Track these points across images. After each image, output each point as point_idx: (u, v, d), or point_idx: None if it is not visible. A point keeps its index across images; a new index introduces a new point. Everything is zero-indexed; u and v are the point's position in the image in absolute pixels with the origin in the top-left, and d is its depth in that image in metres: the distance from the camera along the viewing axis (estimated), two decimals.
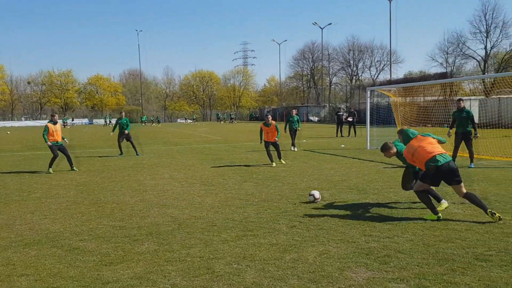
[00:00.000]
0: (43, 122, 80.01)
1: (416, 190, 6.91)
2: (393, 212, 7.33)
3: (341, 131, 28.36)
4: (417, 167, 7.15)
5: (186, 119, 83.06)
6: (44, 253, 5.61)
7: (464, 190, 6.59)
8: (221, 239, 6.02)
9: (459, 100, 12.88)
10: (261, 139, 14.34)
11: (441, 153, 6.62)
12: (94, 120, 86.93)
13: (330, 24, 76.09)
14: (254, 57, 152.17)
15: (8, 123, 79.23)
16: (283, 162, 14.31)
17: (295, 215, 7.26)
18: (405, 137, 7.45)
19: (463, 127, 12.52)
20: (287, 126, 19.60)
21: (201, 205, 8.22)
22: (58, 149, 13.59)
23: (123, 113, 19.74)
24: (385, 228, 6.36)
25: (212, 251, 5.51)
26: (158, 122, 73.60)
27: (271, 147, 14.18)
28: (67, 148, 13.99)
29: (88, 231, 6.62)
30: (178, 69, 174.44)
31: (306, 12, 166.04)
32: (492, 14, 52.32)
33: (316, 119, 70.93)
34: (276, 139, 14.01)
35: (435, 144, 6.82)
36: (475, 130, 12.43)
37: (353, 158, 15.63)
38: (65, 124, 68.58)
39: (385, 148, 7.45)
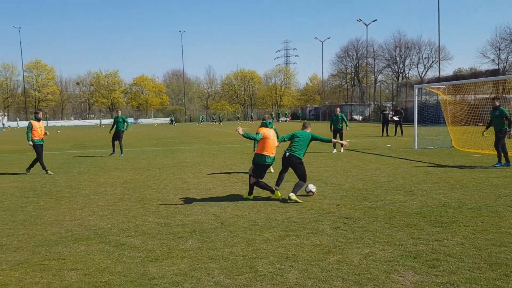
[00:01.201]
0: (91, 122, 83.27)
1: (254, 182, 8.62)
2: (442, 214, 7.07)
3: (386, 130, 27.72)
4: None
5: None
6: (93, 248, 5.79)
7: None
8: (263, 239, 6.00)
9: (494, 98, 13.09)
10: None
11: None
12: (139, 120, 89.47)
13: (376, 20, 73.88)
14: (296, 56, 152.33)
15: (58, 123, 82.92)
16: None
17: (338, 216, 7.14)
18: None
19: (496, 126, 12.68)
20: (332, 126, 18.37)
21: (243, 204, 8.25)
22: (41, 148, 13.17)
23: (119, 111, 19.23)
24: (433, 231, 6.14)
25: (255, 250, 5.50)
26: (220, 121, 74.18)
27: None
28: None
29: (134, 227, 6.78)
30: (219, 68, 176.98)
31: (350, 9, 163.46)
32: None
33: (360, 118, 69.72)
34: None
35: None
36: (508, 128, 12.44)
37: (400, 158, 15.23)
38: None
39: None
